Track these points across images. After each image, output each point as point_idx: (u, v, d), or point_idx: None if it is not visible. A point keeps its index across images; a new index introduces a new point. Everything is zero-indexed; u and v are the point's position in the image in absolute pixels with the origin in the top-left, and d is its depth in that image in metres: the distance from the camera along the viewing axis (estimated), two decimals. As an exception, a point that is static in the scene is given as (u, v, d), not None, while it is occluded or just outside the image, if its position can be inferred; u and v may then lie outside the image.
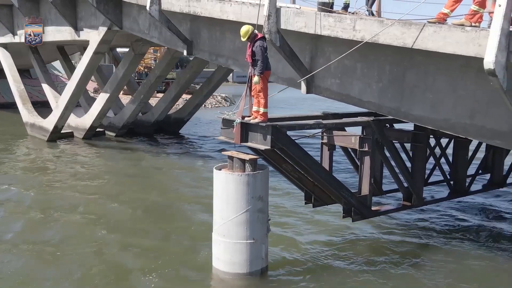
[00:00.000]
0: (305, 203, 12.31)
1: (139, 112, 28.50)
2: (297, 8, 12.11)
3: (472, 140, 13.60)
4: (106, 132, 28.78)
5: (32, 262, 10.96)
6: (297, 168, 11.07)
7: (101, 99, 25.71)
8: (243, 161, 9.81)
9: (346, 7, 11.21)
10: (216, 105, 48.82)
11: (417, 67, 10.15)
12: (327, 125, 10.96)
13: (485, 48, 8.02)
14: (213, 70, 30.51)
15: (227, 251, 9.83)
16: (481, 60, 8.57)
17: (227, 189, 9.71)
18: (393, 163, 12.06)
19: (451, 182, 13.91)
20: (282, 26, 11.43)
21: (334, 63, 11.81)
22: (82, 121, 27.17)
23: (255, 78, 9.47)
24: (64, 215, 14.17)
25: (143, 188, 17.40)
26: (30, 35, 19.51)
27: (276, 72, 12.94)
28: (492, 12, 8.01)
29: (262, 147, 9.58)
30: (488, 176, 15.28)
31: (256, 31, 9.96)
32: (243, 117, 9.95)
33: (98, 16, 21.82)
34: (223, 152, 10.39)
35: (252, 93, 9.86)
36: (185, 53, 16.24)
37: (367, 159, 11.29)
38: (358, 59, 11.09)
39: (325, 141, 12.07)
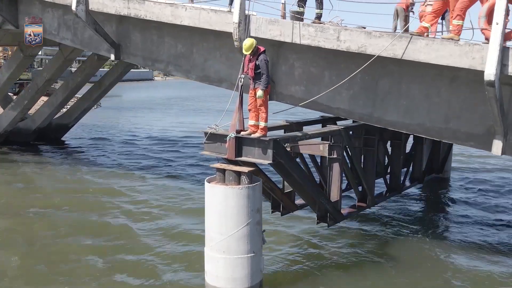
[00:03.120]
0: (272, 212, 12.31)
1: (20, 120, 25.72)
2: (253, 15, 12.02)
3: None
4: (-24, 142, 25.57)
5: None
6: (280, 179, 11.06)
7: (-23, 106, 22.73)
8: (238, 173, 9.50)
9: (319, 17, 11.39)
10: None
11: (390, 75, 10.72)
12: (311, 135, 11.07)
13: (478, 61, 8.84)
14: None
15: (227, 267, 9.43)
16: (456, 69, 9.50)
17: (226, 204, 9.31)
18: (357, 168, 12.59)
19: (388, 181, 14.97)
20: (252, 34, 11.23)
21: (298, 70, 12.01)
22: (-51, 131, 23.75)
23: (259, 92, 9.23)
24: None
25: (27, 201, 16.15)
26: (30, 35, 16.88)
27: (230, 79, 12.69)
28: (486, 29, 8.84)
29: (264, 162, 9.37)
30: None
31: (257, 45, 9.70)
32: (238, 131, 9.61)
33: (-19, 12, 19.24)
34: (211, 165, 9.92)
35: (249, 107, 9.58)
36: (112, 57, 15.04)
37: (336, 166, 11.65)
38: (325, 67, 11.36)
39: (289, 149, 12.20)
